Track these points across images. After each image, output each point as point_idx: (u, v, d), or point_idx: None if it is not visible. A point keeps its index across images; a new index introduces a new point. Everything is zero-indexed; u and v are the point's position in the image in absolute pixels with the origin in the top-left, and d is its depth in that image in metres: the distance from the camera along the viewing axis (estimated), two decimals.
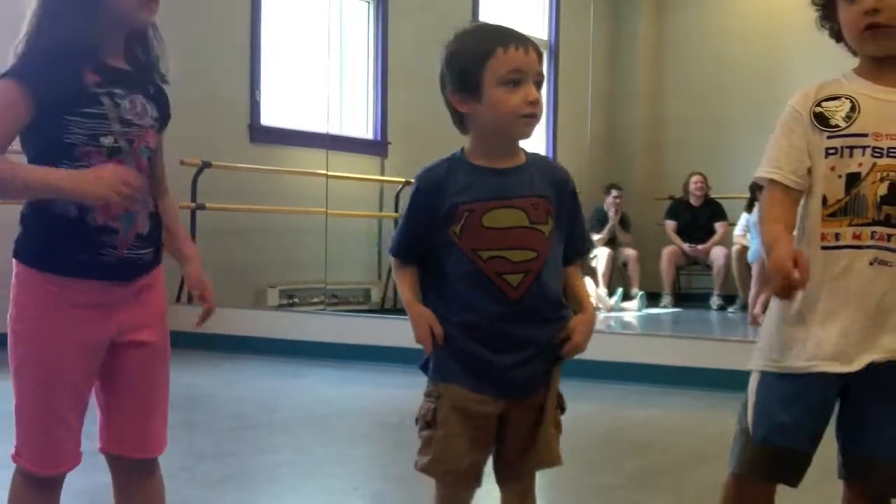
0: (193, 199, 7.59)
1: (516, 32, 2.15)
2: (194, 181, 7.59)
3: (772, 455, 2.21)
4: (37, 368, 2.18)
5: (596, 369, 6.20)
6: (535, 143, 11.10)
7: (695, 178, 10.25)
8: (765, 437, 2.20)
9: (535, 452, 2.22)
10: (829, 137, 2.15)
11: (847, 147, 2.14)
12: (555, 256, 2.18)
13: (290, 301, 8.17)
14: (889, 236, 2.12)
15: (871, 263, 2.13)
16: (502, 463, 2.26)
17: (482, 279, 2.12)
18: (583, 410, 5.55)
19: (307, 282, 8.28)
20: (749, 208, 8.90)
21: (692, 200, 10.28)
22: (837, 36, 2.26)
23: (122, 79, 2.18)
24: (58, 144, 2.11)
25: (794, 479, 2.24)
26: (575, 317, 2.22)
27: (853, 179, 2.13)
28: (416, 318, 2.16)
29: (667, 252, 10.08)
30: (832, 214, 2.15)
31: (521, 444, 2.22)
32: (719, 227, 10.09)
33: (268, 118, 8.44)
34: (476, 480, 2.23)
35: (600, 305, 9.32)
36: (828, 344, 2.14)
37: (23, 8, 2.15)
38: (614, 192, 10.27)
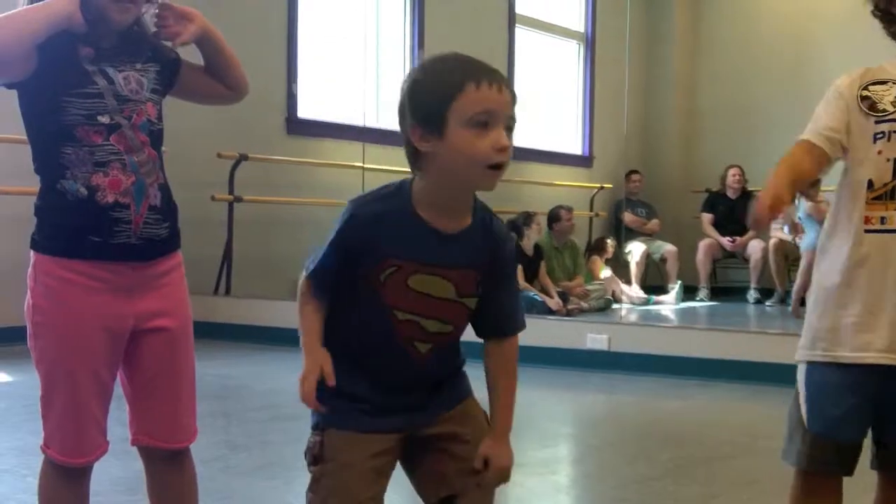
0: (231, 191, 7.63)
1: (491, 68, 1.88)
2: (231, 174, 7.63)
3: (830, 447, 2.19)
4: (58, 359, 2.18)
5: (632, 362, 6.22)
6: (573, 137, 11.12)
7: (732, 171, 10.18)
8: (821, 431, 2.19)
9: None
10: (877, 122, 2.14)
11: (895, 132, 2.13)
12: (466, 325, 2.01)
13: None
14: None
15: None
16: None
17: (392, 341, 1.95)
18: (619, 402, 5.55)
19: None
20: None
21: (729, 193, 10.20)
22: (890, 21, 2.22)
23: (112, 53, 2.20)
24: (57, 126, 2.14)
25: (850, 470, 2.23)
26: (485, 442, 1.99)
27: None
28: (313, 364, 1.92)
29: (703, 245, 10.01)
30: (878, 198, 2.13)
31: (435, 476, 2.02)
32: None
33: (304, 111, 8.47)
34: None
35: (634, 301, 9.27)
36: (880, 335, 2.12)
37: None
38: (633, 177, 10.58)
